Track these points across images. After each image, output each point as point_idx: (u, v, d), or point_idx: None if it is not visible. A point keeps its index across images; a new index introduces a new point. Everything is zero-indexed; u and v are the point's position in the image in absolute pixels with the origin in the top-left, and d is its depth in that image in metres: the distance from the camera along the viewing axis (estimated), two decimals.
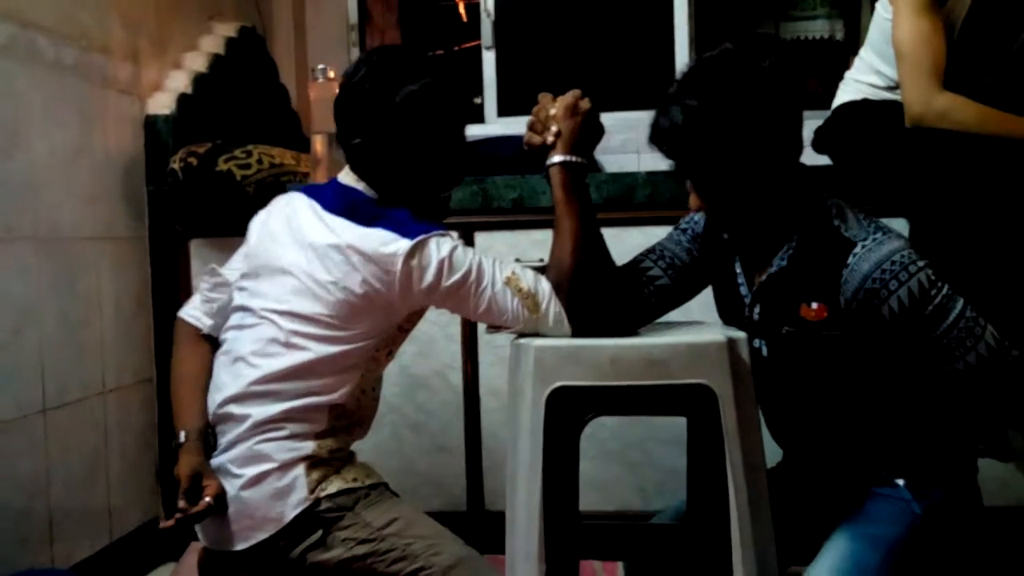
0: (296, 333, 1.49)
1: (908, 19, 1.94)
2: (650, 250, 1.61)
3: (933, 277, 1.34)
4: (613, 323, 1.46)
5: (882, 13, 2.08)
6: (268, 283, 1.54)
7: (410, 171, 1.54)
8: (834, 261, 1.38)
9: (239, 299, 1.60)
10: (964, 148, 1.87)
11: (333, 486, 1.50)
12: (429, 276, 1.45)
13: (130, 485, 2.37)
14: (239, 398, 1.51)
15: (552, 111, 1.52)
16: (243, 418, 1.49)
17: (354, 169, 1.58)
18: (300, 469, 1.48)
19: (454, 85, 1.56)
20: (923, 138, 1.93)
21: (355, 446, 1.65)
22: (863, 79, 2.18)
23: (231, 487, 1.49)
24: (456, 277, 1.45)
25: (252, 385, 1.50)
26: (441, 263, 1.45)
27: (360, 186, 1.57)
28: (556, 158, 1.50)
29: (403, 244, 1.44)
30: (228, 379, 1.54)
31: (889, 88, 2.09)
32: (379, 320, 1.50)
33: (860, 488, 1.48)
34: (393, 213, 1.50)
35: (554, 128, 1.50)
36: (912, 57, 1.93)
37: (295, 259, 1.52)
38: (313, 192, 1.59)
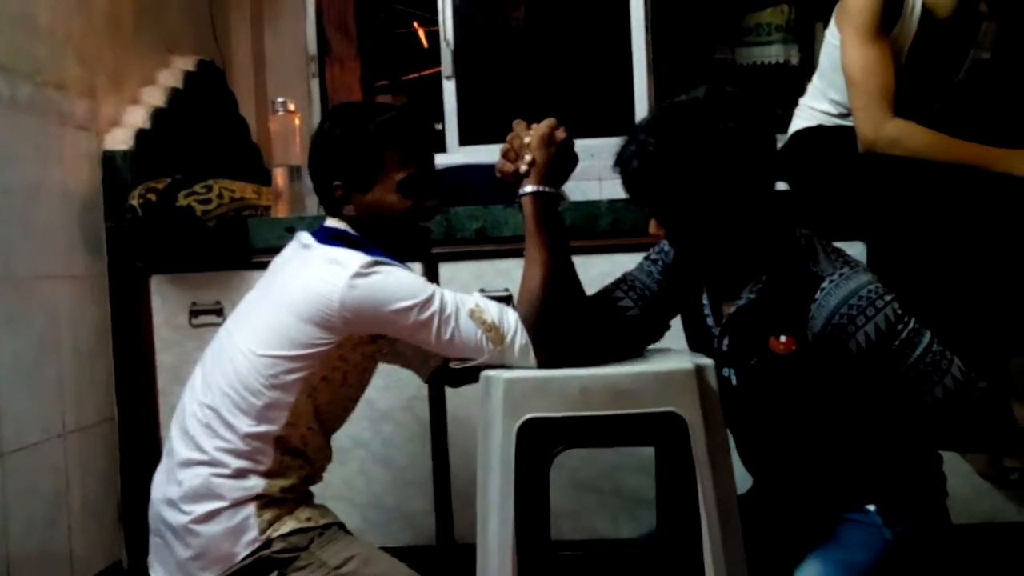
0: (240, 341, 1.53)
1: (855, 47, 1.97)
2: (621, 280, 1.61)
3: (900, 311, 1.35)
4: (583, 354, 1.46)
5: (831, 40, 2.12)
6: (240, 307, 1.63)
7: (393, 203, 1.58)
8: (802, 296, 1.39)
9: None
10: (918, 172, 1.91)
11: (286, 526, 1.50)
12: (382, 290, 1.45)
13: (92, 528, 2.31)
14: (192, 412, 1.54)
15: (527, 139, 1.50)
16: (191, 439, 1.51)
17: (334, 213, 1.63)
18: (251, 508, 1.48)
19: (420, 113, 1.65)
20: (877, 163, 1.96)
21: (323, 480, 1.63)
22: (816, 106, 2.22)
23: (180, 522, 1.48)
24: (415, 301, 1.45)
25: (200, 396, 1.53)
26: (399, 283, 1.46)
27: (343, 226, 1.61)
28: (529, 188, 1.49)
29: (364, 257, 1.47)
30: (187, 398, 1.58)
31: (841, 115, 2.13)
32: (318, 330, 1.48)
33: (831, 514, 1.49)
34: (372, 249, 1.54)
35: (528, 157, 1.49)
36: (862, 84, 1.97)
37: (271, 280, 1.60)
38: (314, 231, 1.64)
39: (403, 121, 1.59)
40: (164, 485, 1.54)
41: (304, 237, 1.61)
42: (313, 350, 1.49)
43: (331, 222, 1.63)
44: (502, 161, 1.53)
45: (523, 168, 1.50)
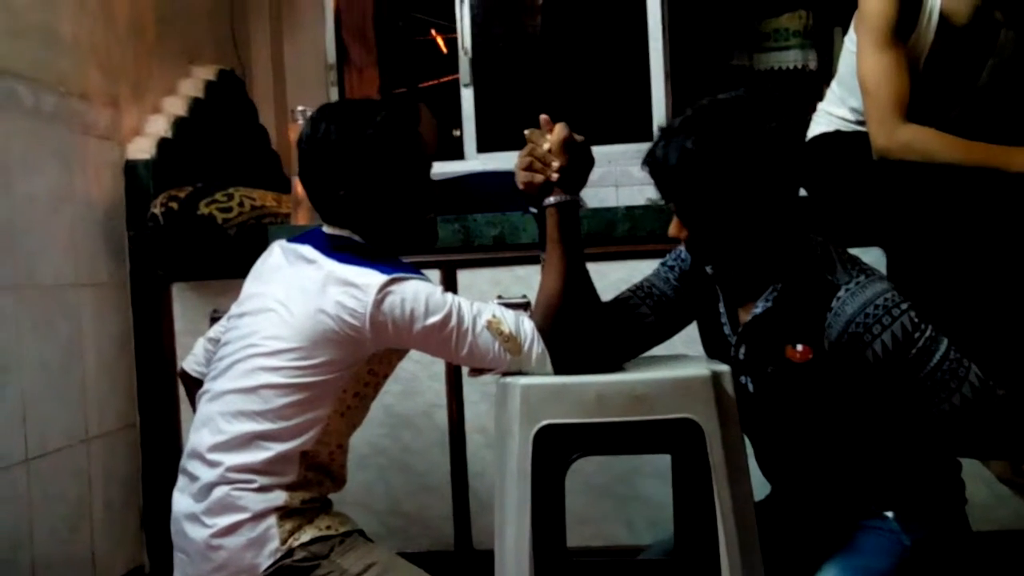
0: (266, 368, 1.50)
1: (871, 54, 1.97)
2: (637, 287, 1.62)
3: (916, 319, 1.35)
4: (600, 361, 1.46)
5: (849, 47, 2.12)
6: (249, 321, 1.57)
7: (398, 200, 1.57)
8: (818, 304, 1.39)
9: (223, 340, 1.62)
10: (936, 178, 1.90)
11: (307, 535, 1.49)
12: (404, 311, 1.45)
13: (114, 533, 2.34)
14: (214, 436, 1.51)
15: (546, 147, 1.47)
16: (216, 463, 1.50)
17: (338, 221, 1.60)
18: (272, 519, 1.48)
19: (406, 110, 1.65)
20: (895, 169, 1.95)
21: (341, 491, 1.64)
22: (834, 112, 2.21)
23: (202, 535, 1.48)
24: (435, 319, 1.45)
25: (223, 424, 1.51)
26: (418, 301, 1.45)
27: (346, 233, 1.59)
28: (553, 199, 1.47)
29: (381, 276, 1.46)
30: (206, 419, 1.55)
31: (859, 122, 2.12)
32: (347, 351, 1.49)
33: (849, 521, 1.49)
34: (382, 260, 1.52)
35: (556, 164, 1.46)
36: (875, 91, 1.96)
37: (276, 293, 1.55)
38: (304, 238, 1.62)
39: (398, 118, 1.58)
40: (185, 500, 1.54)
41: (306, 250, 1.56)
42: (350, 370, 1.51)
43: (331, 229, 1.60)
44: (528, 173, 1.48)
45: (554, 176, 1.46)
